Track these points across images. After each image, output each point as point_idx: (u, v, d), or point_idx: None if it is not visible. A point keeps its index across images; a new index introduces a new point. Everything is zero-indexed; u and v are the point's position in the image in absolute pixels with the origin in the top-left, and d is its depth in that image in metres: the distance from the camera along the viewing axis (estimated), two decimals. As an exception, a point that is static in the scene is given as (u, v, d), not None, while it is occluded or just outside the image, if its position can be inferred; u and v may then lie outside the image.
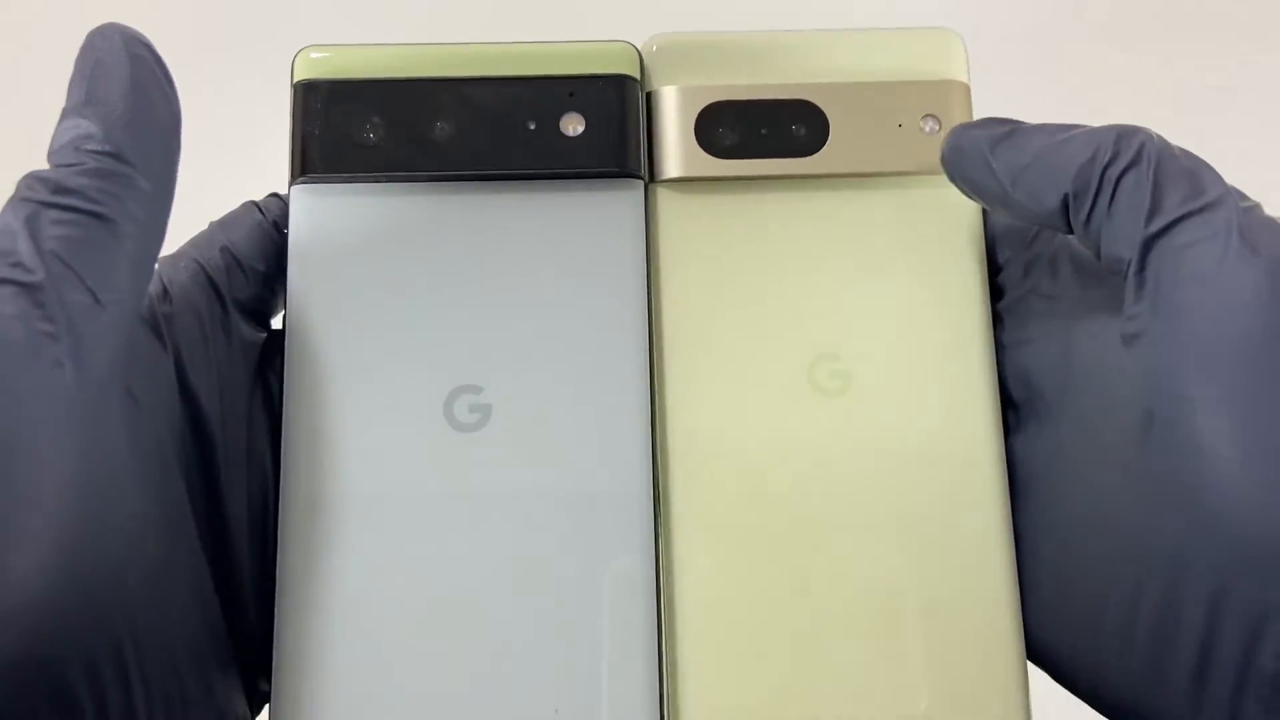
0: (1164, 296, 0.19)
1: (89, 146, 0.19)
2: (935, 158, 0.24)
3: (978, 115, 0.25)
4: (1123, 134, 0.20)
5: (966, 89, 0.25)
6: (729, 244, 0.24)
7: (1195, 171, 0.19)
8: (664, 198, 0.25)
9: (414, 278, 0.23)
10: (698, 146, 0.24)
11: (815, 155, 0.24)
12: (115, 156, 0.19)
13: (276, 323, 0.25)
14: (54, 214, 0.18)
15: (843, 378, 0.24)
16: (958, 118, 0.25)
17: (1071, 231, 0.21)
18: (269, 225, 0.24)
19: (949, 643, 0.22)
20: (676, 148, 0.24)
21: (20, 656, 0.16)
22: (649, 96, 0.25)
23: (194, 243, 0.23)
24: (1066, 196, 0.20)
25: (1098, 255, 0.20)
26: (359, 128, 0.24)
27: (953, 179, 0.23)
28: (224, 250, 0.23)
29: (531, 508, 0.22)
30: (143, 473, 0.19)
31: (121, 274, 0.19)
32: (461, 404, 0.23)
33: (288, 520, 0.22)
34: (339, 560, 0.22)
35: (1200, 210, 0.19)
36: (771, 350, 0.24)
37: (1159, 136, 0.20)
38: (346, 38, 0.25)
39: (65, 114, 0.19)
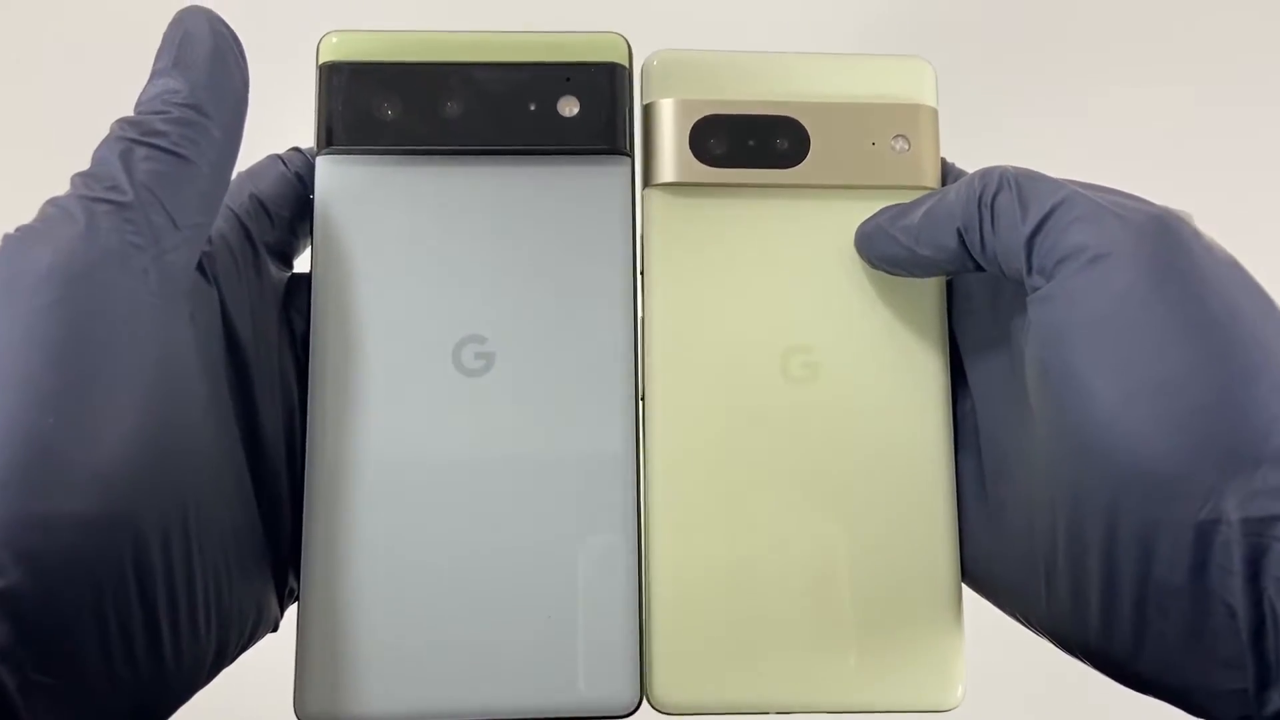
0: (1050, 268, 0.22)
1: (175, 100, 0.22)
2: (903, 174, 0.27)
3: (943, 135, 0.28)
4: (984, 173, 0.24)
5: (934, 113, 0.28)
6: (716, 243, 0.27)
7: (1043, 178, 0.23)
8: (658, 200, 0.27)
9: (426, 239, 0.26)
10: (691, 155, 0.27)
11: (796, 167, 0.27)
12: (195, 109, 0.22)
13: (298, 264, 0.27)
14: (143, 151, 0.21)
15: (812, 368, 0.27)
16: (925, 139, 0.27)
17: (976, 266, 0.24)
18: (291, 175, 0.27)
19: (895, 571, 0.26)
20: (672, 155, 0.27)
21: (111, 512, 0.19)
22: (648, 108, 0.28)
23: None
24: (960, 231, 0.24)
25: (1003, 274, 0.23)
26: (377, 106, 0.26)
27: (870, 261, 0.27)
28: (252, 197, 0.26)
29: (527, 444, 0.25)
30: (202, 378, 0.22)
31: (194, 206, 0.22)
32: (468, 351, 0.26)
33: (315, 443, 0.25)
34: (359, 477, 0.25)
35: (1062, 202, 0.22)
36: (749, 341, 0.27)
37: (1011, 166, 0.24)
38: (351, 22, 0.27)
39: (155, 75, 0.23)
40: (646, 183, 0.27)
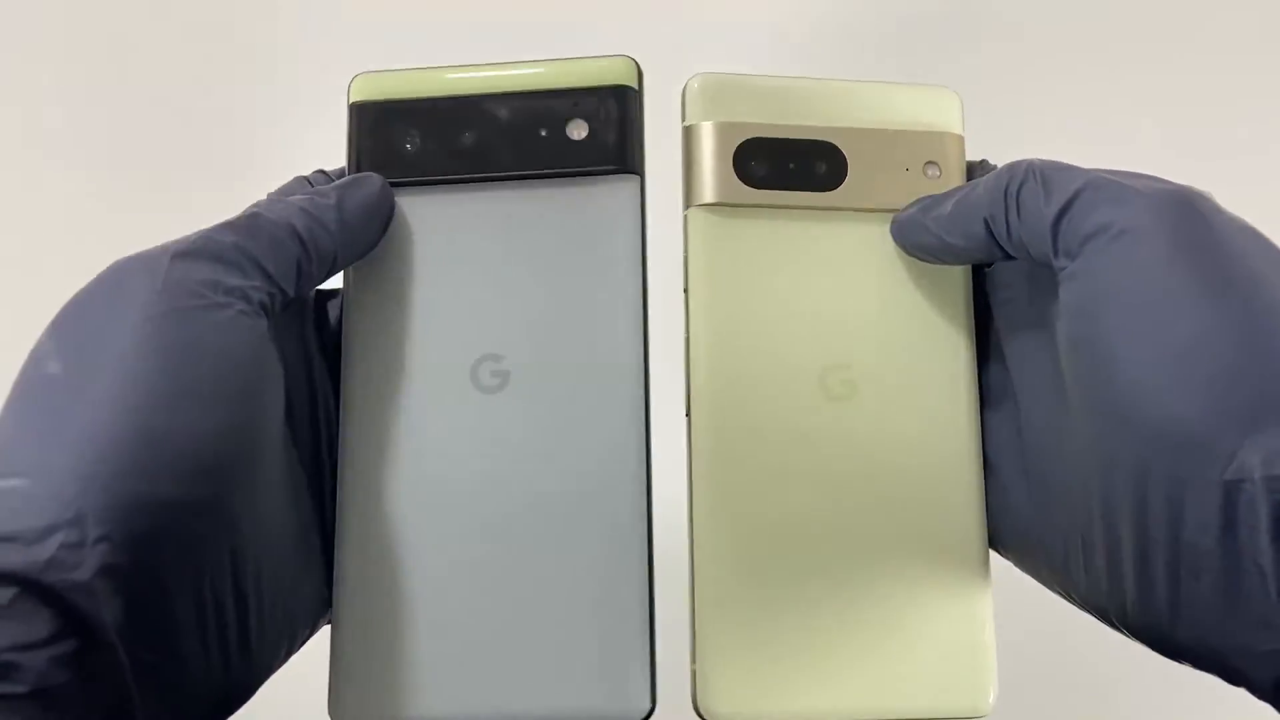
0: (1076, 248, 0.23)
1: (323, 201, 0.26)
2: (934, 200, 0.28)
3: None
4: (1012, 166, 0.25)
5: (961, 140, 0.29)
6: (758, 262, 0.28)
7: (1068, 168, 0.24)
8: (701, 220, 0.28)
9: (447, 262, 0.28)
10: (734, 176, 0.28)
11: (835, 190, 0.28)
12: (337, 210, 0.26)
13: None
14: (262, 222, 0.25)
15: (850, 385, 0.28)
16: (954, 165, 0.29)
17: (1005, 255, 0.25)
18: None
19: (932, 584, 0.27)
20: (714, 176, 0.28)
21: (212, 500, 0.22)
22: (688, 130, 0.28)
23: None
24: (987, 220, 0.25)
25: (1031, 259, 0.25)
26: (401, 141, 0.28)
27: (904, 248, 0.28)
28: None
29: (541, 458, 0.27)
30: (278, 384, 0.25)
31: (288, 271, 0.24)
32: (484, 369, 0.27)
33: (345, 457, 0.27)
34: (385, 490, 0.27)
35: (1085, 186, 0.23)
36: (790, 358, 0.28)
37: (1038, 159, 0.25)
38: (384, 54, 0.28)
39: (327, 186, 0.27)
40: (689, 204, 0.28)
